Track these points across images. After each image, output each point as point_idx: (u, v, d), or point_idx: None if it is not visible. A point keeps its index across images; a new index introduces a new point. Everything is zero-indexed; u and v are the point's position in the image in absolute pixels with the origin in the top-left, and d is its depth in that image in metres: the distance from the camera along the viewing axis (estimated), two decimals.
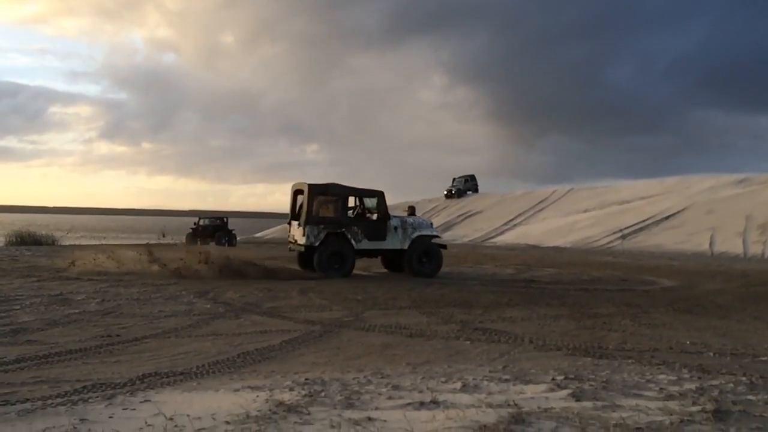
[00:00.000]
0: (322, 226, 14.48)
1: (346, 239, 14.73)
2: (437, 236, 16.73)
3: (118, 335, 7.31)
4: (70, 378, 5.28)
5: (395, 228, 15.33)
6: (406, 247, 15.37)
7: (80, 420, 3.88)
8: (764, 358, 6.39)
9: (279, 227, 57.62)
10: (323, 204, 14.67)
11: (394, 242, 15.33)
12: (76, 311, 8.92)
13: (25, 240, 27.27)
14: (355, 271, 15.13)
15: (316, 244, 14.43)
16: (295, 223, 15.19)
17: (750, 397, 4.53)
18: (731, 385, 4.93)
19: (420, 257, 15.51)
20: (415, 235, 15.58)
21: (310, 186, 14.74)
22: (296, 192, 15.49)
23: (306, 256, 15.01)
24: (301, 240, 14.54)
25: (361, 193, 15.45)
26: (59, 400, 4.47)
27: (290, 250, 15.78)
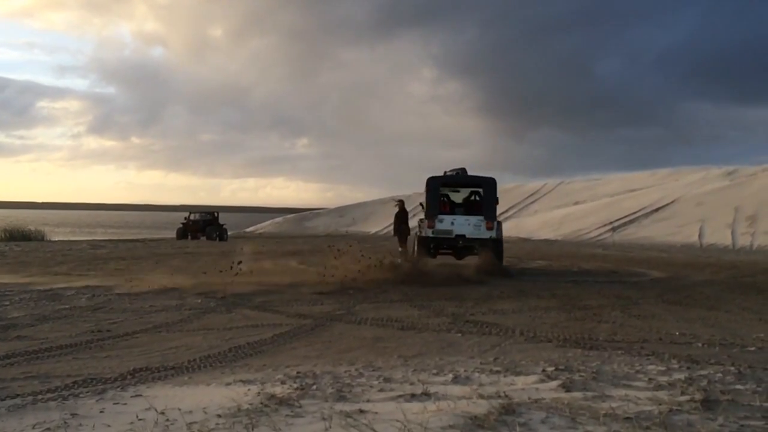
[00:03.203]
0: (497, 222, 14.64)
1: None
2: None
3: (108, 330, 7.29)
4: (60, 373, 5.26)
5: None
6: None
7: (71, 415, 3.87)
8: (752, 348, 6.44)
9: (269, 222, 57.60)
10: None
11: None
12: (66, 307, 8.87)
13: (14, 235, 27.13)
14: None
15: (500, 238, 14.51)
16: (455, 218, 14.61)
17: (738, 386, 4.57)
18: (720, 374, 4.97)
19: None
20: None
21: (494, 180, 14.80)
22: (442, 184, 15.05)
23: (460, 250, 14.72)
24: (482, 234, 14.25)
25: None
26: (50, 395, 4.45)
27: (459, 246, 14.76)
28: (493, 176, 14.99)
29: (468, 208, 15.22)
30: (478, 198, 15.25)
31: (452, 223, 14.40)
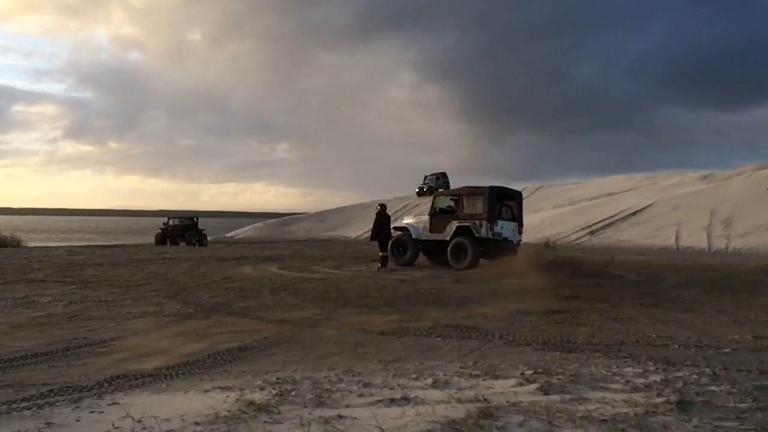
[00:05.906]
0: None
1: None
2: None
3: (85, 338, 7.20)
4: (35, 382, 5.18)
5: None
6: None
7: (46, 424, 3.82)
8: (727, 350, 6.54)
9: (250, 227, 57.23)
10: None
11: None
12: (42, 314, 8.75)
13: None
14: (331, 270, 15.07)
15: None
16: (504, 223, 17.43)
17: (713, 388, 4.63)
18: (695, 376, 5.03)
19: None
20: None
21: (521, 193, 18.78)
22: (497, 195, 17.52)
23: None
24: (516, 237, 17.75)
25: None
26: (24, 404, 4.38)
27: (507, 247, 17.32)
28: (519, 190, 19.22)
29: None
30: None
31: (502, 227, 17.25)
